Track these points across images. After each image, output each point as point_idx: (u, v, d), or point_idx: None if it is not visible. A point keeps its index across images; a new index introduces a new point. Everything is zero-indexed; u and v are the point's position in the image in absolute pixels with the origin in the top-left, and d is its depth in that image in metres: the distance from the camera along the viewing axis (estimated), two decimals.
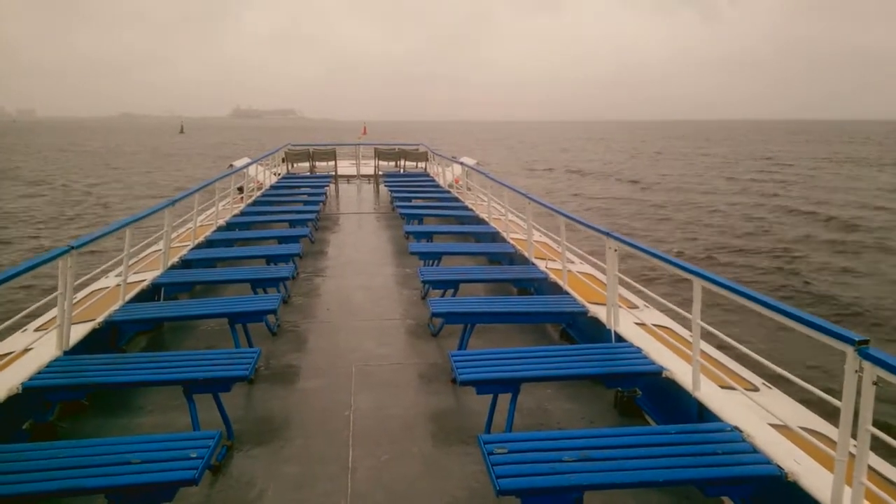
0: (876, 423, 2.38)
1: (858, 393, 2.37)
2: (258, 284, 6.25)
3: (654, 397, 4.21)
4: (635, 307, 5.97)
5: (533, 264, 7.03)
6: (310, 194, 12.40)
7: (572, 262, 7.66)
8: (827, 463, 2.70)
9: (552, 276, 6.46)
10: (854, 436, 2.44)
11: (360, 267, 8.30)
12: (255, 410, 4.36)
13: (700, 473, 2.76)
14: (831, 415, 2.88)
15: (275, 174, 16.00)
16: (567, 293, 5.90)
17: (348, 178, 17.94)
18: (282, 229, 9.50)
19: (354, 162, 18.31)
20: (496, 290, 7.18)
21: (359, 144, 18.88)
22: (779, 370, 3.17)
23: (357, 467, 3.57)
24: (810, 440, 2.92)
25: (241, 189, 12.51)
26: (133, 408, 4.36)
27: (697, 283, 3.54)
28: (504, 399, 3.78)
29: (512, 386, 3.72)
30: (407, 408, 4.33)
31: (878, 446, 2.49)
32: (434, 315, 5.22)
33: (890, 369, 2.20)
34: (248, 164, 13.21)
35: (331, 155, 16.89)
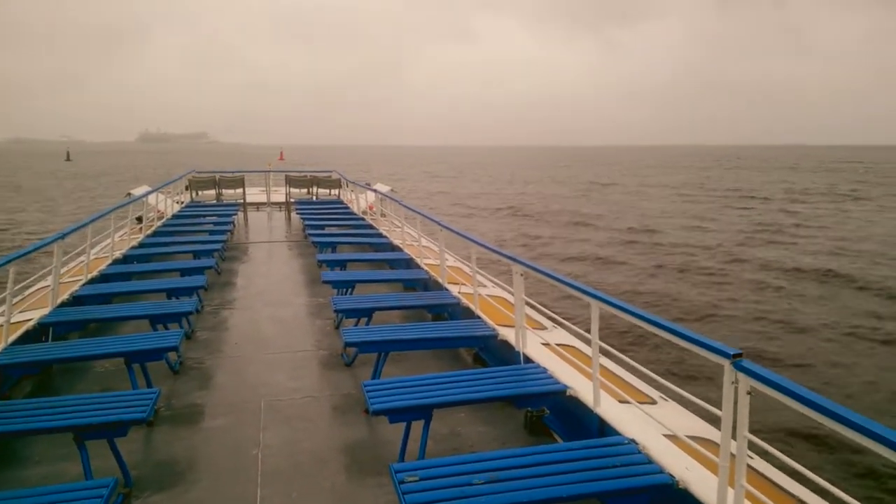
0: (753, 429, 2.59)
1: (737, 402, 2.58)
2: (158, 320, 5.95)
3: (560, 415, 4.37)
4: (544, 328, 6.17)
5: (446, 290, 7.13)
6: (216, 223, 11.98)
7: (484, 286, 7.83)
8: (714, 468, 2.90)
9: (464, 300, 6.58)
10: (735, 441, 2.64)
11: (271, 297, 8.09)
12: (155, 454, 4.14)
13: (601, 487, 2.90)
14: (719, 423, 3.11)
15: (178, 203, 15.34)
16: (479, 317, 6.02)
17: (258, 205, 17.48)
18: (185, 261, 9.11)
19: (264, 189, 17.89)
20: (411, 316, 7.21)
21: (269, 171, 18.50)
22: (667, 384, 3.39)
23: None
24: (698, 448, 3.14)
25: (139, 219, 11.90)
26: (19, 459, 4.01)
27: (595, 305, 3.74)
28: (418, 426, 3.81)
29: (424, 413, 3.76)
30: (319, 441, 4.26)
31: (765, 451, 2.72)
32: (347, 345, 5.18)
33: (761, 380, 2.42)
34: (148, 193, 12.60)
35: (239, 182, 16.40)
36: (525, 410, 4.46)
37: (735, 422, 2.58)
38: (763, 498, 2.54)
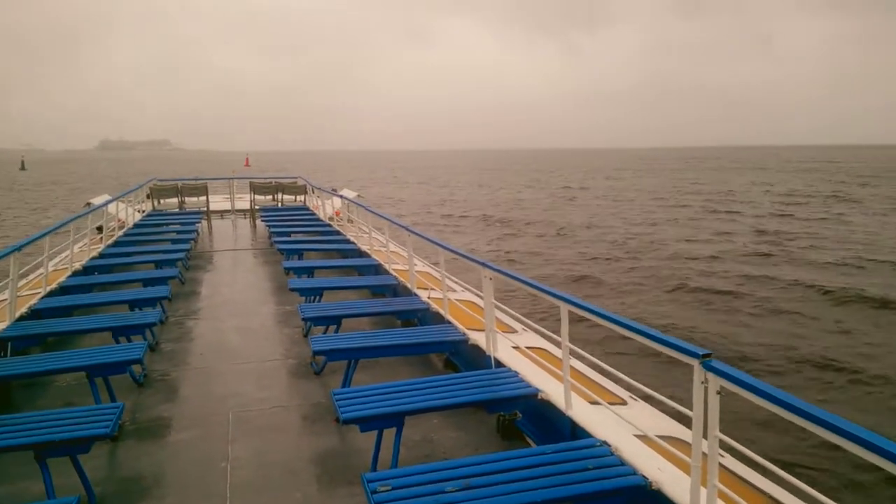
0: (727, 428, 2.63)
1: (707, 402, 2.61)
2: (121, 332, 5.78)
3: (532, 419, 4.38)
4: (514, 331, 6.19)
5: (415, 295, 7.10)
6: (179, 232, 11.72)
7: (454, 291, 7.82)
8: (686, 468, 2.94)
9: (434, 305, 6.56)
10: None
11: (237, 307, 7.94)
12: (120, 470, 4.01)
13: (573, 490, 2.90)
14: (691, 423, 3.15)
15: (139, 212, 14.97)
16: (449, 322, 6.01)
17: (222, 213, 17.17)
18: (147, 271, 8.88)
19: (228, 197, 17.59)
20: (381, 322, 7.15)
21: (233, 178, 18.19)
22: (637, 384, 3.43)
23: None
24: (669, 449, 3.18)
25: (100, 229, 11.56)
26: None
27: (564, 308, 3.76)
28: (391, 434, 3.77)
29: (396, 420, 3.72)
30: (289, 452, 4.18)
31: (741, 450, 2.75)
32: (315, 353, 5.11)
33: (731, 380, 2.45)
34: (109, 202, 12.25)
35: (201, 190, 16.07)
36: (497, 415, 4.46)
37: (706, 421, 2.61)
38: (735, 497, 2.58)
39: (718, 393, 2.52)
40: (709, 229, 27.06)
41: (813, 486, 2.38)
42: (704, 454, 2.66)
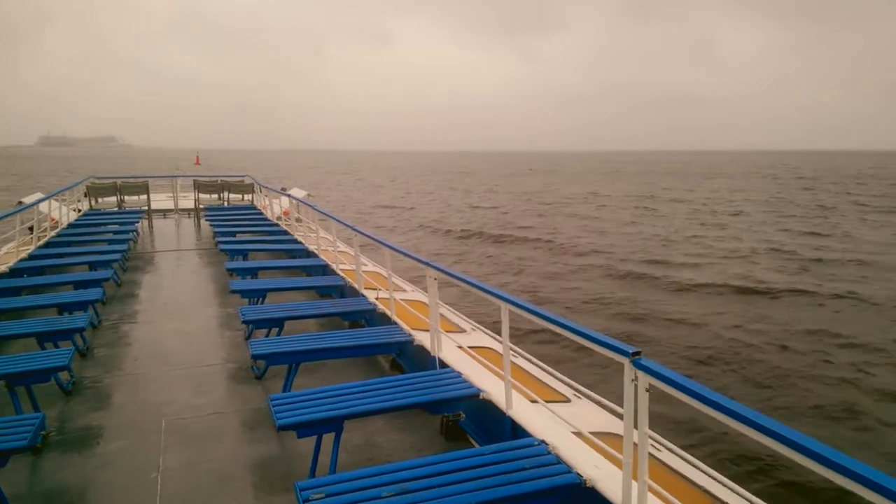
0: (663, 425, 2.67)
1: (637, 399, 2.64)
2: (46, 338, 5.49)
3: (475, 419, 4.37)
4: (463, 331, 6.17)
5: (363, 296, 7.00)
6: (116, 232, 11.27)
7: (404, 291, 7.75)
8: (620, 465, 2.97)
9: (381, 306, 6.48)
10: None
11: (177, 309, 7.67)
12: (42, 484, 3.79)
13: (511, 490, 2.89)
14: None
15: (75, 211, 14.34)
16: (395, 323, 5.95)
17: (165, 212, 16.62)
18: (80, 273, 8.49)
19: (172, 195, 17.04)
20: (327, 324, 7.03)
21: (176, 176, 17.62)
22: (574, 384, 3.45)
23: None
24: (603, 446, 3.21)
25: (31, 229, 11.01)
26: None
27: (504, 308, 3.76)
28: (331, 439, 3.69)
29: (335, 425, 3.65)
30: (225, 460, 4.04)
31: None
32: (254, 357, 4.97)
33: (659, 377, 2.49)
34: (41, 201, 11.68)
35: (142, 188, 15.50)
36: (441, 416, 4.43)
37: (636, 418, 2.64)
38: (664, 493, 2.62)
39: (648, 390, 2.56)
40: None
41: (732, 478, 2.44)
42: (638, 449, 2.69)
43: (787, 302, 15.15)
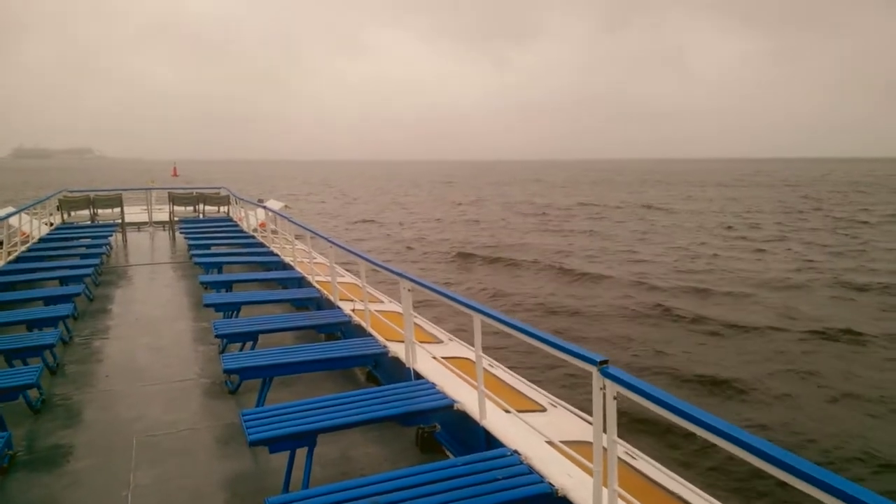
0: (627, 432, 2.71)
1: (605, 407, 2.68)
2: (14, 355, 5.38)
3: (450, 430, 4.37)
4: (440, 342, 6.18)
5: (338, 308, 6.98)
6: (88, 246, 11.09)
7: (381, 302, 7.75)
8: (592, 473, 3.01)
9: (356, 318, 6.46)
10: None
11: (150, 324, 7.57)
12: None
13: (484, 501, 2.90)
14: None
15: (47, 224, 14.09)
16: (370, 335, 5.94)
17: (139, 225, 16.41)
18: (51, 288, 8.34)
19: (146, 208, 16.83)
20: (303, 337, 6.99)
21: (151, 189, 17.42)
22: (544, 393, 3.48)
23: None
24: (575, 455, 3.24)
25: (1, 244, 10.79)
26: None
27: (477, 318, 3.78)
28: (304, 454, 3.67)
29: (307, 439, 3.63)
30: (197, 477, 3.99)
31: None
32: (226, 371, 4.92)
33: (626, 385, 2.53)
34: (11, 215, 11.46)
35: (116, 201, 15.29)
36: (416, 427, 4.42)
37: (605, 426, 2.67)
38: (634, 500, 2.65)
39: (615, 398, 2.59)
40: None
41: (694, 482, 2.48)
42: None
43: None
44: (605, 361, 2.63)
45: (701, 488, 3.19)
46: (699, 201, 52.24)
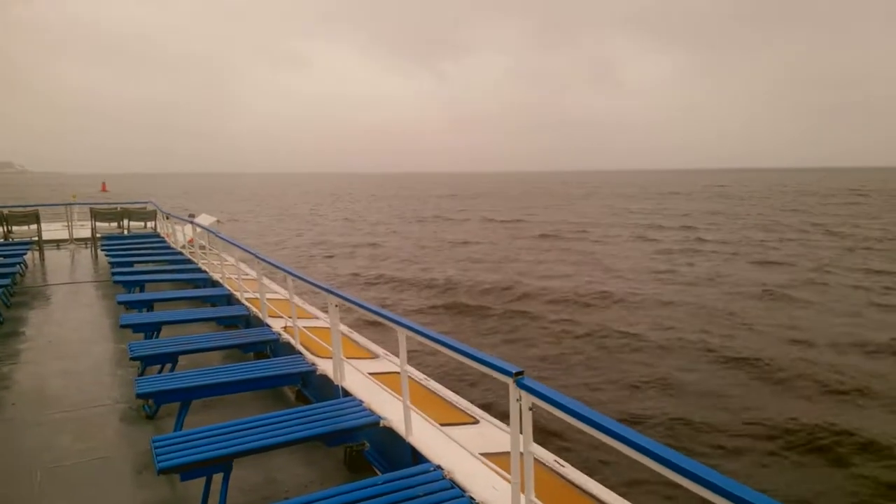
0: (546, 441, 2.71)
1: (522, 417, 2.68)
2: None
3: (378, 448, 4.30)
4: (376, 357, 6.07)
5: (267, 325, 6.78)
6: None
7: (316, 318, 7.57)
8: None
9: (286, 335, 6.29)
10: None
11: (65, 347, 7.14)
12: None
13: None
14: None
15: None
16: (299, 352, 5.79)
17: (58, 243, 15.54)
18: None
19: (66, 224, 15.97)
20: (232, 356, 6.74)
21: (72, 204, 16.55)
22: (472, 406, 3.46)
23: None
24: (495, 468, 3.23)
25: None
26: None
27: (402, 333, 3.73)
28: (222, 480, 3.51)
29: (222, 465, 3.47)
30: None
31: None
32: (139, 395, 4.67)
33: (540, 396, 2.54)
34: None
35: (32, 217, 14.42)
36: (344, 446, 4.32)
37: (522, 436, 2.67)
38: None
39: (531, 409, 2.60)
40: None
41: (608, 486, 2.51)
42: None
43: None
44: (521, 373, 2.63)
45: (622, 494, 3.24)
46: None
